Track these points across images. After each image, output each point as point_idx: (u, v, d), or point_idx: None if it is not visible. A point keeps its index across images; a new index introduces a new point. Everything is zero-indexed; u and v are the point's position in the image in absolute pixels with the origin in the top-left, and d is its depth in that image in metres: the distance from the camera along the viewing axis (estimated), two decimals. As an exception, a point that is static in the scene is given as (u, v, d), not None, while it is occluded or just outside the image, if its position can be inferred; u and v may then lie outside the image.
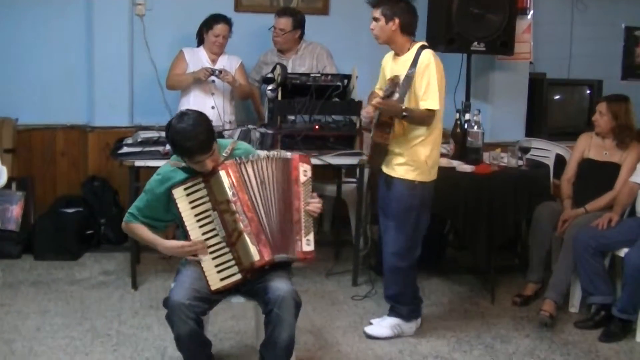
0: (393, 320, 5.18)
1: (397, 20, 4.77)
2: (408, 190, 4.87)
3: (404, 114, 4.68)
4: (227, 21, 6.36)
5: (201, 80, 6.23)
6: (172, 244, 4.12)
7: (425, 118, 4.76)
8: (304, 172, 4.12)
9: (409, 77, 4.75)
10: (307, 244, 4.04)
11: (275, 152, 4.17)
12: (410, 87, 4.76)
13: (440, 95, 4.75)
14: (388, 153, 4.91)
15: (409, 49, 4.86)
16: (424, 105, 4.74)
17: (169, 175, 4.13)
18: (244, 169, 4.02)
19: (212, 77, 6.22)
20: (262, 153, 4.17)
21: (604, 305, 5.35)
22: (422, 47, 4.85)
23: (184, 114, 3.98)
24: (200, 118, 3.97)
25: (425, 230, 5.06)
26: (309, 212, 4.07)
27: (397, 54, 4.94)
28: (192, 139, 3.87)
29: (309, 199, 4.10)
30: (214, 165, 3.98)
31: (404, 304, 5.15)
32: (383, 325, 5.18)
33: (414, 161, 4.84)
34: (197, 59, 6.42)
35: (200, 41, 6.49)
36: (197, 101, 6.29)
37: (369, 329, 5.16)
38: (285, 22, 6.51)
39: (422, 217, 4.99)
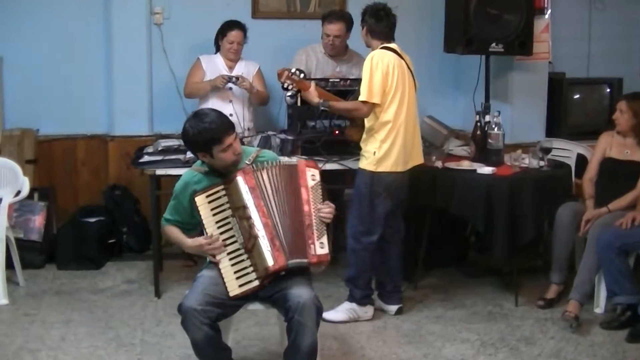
0: (348, 305, 5.43)
1: (365, 27, 5.37)
2: (361, 178, 5.30)
3: (322, 107, 5.35)
4: (241, 27, 6.36)
5: (218, 87, 6.23)
6: (192, 242, 4.17)
7: (352, 109, 5.31)
8: (311, 176, 4.14)
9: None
10: (320, 246, 4.03)
11: (282, 159, 4.21)
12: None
13: (370, 89, 5.14)
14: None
15: None
16: (359, 98, 5.20)
17: (192, 180, 4.20)
18: (260, 175, 4.05)
19: (230, 84, 6.22)
20: (279, 160, 4.21)
21: (629, 305, 5.31)
22: (381, 49, 5.27)
23: (195, 114, 4.17)
24: (211, 109, 4.20)
25: (382, 218, 5.33)
26: (321, 218, 4.08)
27: None
28: (214, 122, 4.04)
29: (320, 204, 4.10)
30: (239, 156, 4.10)
31: (358, 287, 5.41)
32: (339, 310, 5.42)
33: (366, 151, 5.30)
34: (214, 65, 6.43)
35: (218, 48, 6.50)
36: (216, 108, 6.28)
37: (325, 314, 5.21)
38: (340, 28, 6.29)
39: (377, 206, 5.29)
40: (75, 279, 6.19)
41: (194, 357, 4.23)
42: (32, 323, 5.32)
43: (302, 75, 5.36)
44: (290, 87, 5.34)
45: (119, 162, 6.96)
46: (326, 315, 5.25)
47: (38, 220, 6.49)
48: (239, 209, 4.00)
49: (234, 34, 6.34)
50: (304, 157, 5.57)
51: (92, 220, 6.63)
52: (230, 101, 6.30)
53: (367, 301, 5.47)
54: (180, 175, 4.30)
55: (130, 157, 6.37)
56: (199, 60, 6.48)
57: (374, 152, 5.22)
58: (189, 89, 6.47)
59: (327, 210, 4.10)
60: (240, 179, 4.01)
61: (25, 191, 5.93)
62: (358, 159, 5.45)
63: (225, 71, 6.38)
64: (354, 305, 5.43)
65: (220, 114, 4.12)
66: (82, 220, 6.63)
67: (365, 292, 5.46)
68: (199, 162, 4.28)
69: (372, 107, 5.17)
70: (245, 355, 4.85)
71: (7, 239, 5.80)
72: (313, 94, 5.33)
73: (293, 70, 5.35)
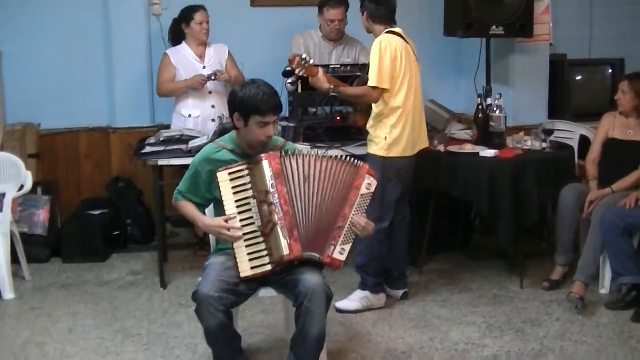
0: (361, 293, 5.39)
1: (365, 12, 5.31)
2: (371, 164, 5.13)
3: (332, 94, 5.27)
4: (203, 7, 6.26)
5: (198, 89, 6.18)
6: (211, 221, 4.13)
7: (362, 95, 5.25)
8: (367, 184, 4.09)
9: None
10: (340, 252, 4.01)
11: (347, 157, 4.13)
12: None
13: (380, 73, 5.09)
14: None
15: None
16: (368, 83, 5.14)
17: (213, 154, 4.17)
18: (287, 162, 4.00)
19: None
20: (322, 152, 4.16)
21: (634, 285, 5.31)
22: (386, 33, 5.22)
23: (253, 81, 4.13)
24: (264, 82, 4.15)
25: (393, 204, 5.30)
26: (353, 224, 4.03)
27: None
28: (266, 94, 4.05)
29: (361, 213, 4.06)
30: (267, 139, 4.11)
31: (370, 275, 5.38)
32: (352, 299, 5.38)
33: (375, 137, 5.25)
34: (184, 58, 6.30)
35: (177, 39, 6.39)
36: (196, 102, 6.24)
37: (338, 303, 5.31)
38: (342, 11, 6.33)
39: (388, 192, 5.25)
40: (80, 271, 6.21)
41: (201, 346, 4.25)
42: (38, 316, 5.34)
43: (311, 61, 5.31)
44: (301, 73, 5.28)
45: (122, 154, 6.97)
46: (339, 304, 5.30)
47: (42, 214, 6.50)
48: (260, 192, 3.96)
49: (200, 14, 6.21)
50: (306, 144, 5.61)
51: (96, 212, 6.64)
52: (210, 92, 6.25)
53: (379, 289, 5.43)
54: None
55: (132, 148, 6.37)
56: (167, 56, 6.32)
57: (385, 137, 5.18)
58: (162, 90, 6.34)
59: (364, 224, 4.05)
60: (265, 163, 3.95)
61: (28, 185, 5.94)
62: (360, 145, 5.45)
63: (195, 61, 6.29)
64: (367, 293, 5.38)
65: (274, 92, 4.10)
66: (86, 213, 6.64)
67: (377, 280, 5.42)
68: (226, 137, 4.27)
69: (381, 92, 5.12)
70: (252, 343, 4.86)
71: (12, 234, 5.82)
72: (322, 80, 5.25)
73: (304, 56, 5.29)
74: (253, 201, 3.98)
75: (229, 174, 3.99)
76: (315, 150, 4.41)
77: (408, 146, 5.24)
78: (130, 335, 5.01)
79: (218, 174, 3.99)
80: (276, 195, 3.93)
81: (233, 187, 3.99)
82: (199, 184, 4.19)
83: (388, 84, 5.10)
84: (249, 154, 4.13)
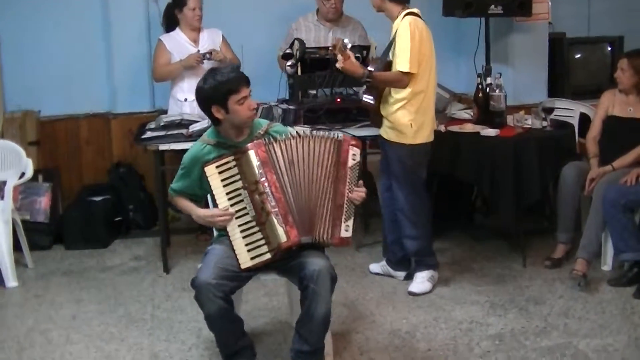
0: (427, 273, 5.39)
1: None
2: (401, 152, 5.13)
3: (366, 79, 5.01)
4: None
5: (194, 67, 6.15)
6: (203, 212, 4.17)
7: (394, 80, 5.04)
8: (352, 155, 4.06)
9: (391, 43, 5.09)
10: (345, 229, 4.02)
11: (325, 132, 4.12)
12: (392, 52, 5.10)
13: (413, 58, 4.95)
14: (381, 115, 5.22)
15: (398, 17, 5.11)
16: (396, 67, 5.00)
17: (200, 152, 4.18)
18: (272, 149, 4.00)
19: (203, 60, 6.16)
20: (300, 130, 4.15)
21: (636, 262, 5.32)
22: (407, 14, 5.06)
23: (211, 70, 4.22)
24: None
25: (424, 185, 5.30)
26: (352, 199, 4.04)
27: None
28: (234, 71, 4.09)
29: (354, 185, 4.07)
30: (253, 112, 4.10)
31: (429, 255, 5.43)
32: (421, 282, 5.37)
33: (399, 124, 5.11)
34: (178, 44, 6.28)
35: (171, 25, 6.37)
36: (192, 86, 6.16)
37: (412, 288, 5.33)
38: None
39: (418, 176, 5.24)
40: (83, 258, 6.22)
41: (205, 330, 4.24)
42: (42, 304, 5.35)
43: (349, 45, 5.21)
44: (338, 57, 5.17)
45: (122, 139, 6.97)
46: (413, 289, 5.34)
47: (44, 202, 6.51)
48: (250, 183, 3.96)
49: (193, 0, 6.19)
50: (307, 126, 5.58)
51: (98, 199, 6.64)
52: None
53: (437, 264, 5.51)
54: (184, 150, 4.29)
55: (133, 134, 6.37)
56: (161, 42, 6.30)
57: (410, 124, 5.08)
58: (159, 74, 6.33)
59: (360, 194, 4.08)
60: (252, 153, 3.95)
61: (29, 173, 5.93)
62: (362, 126, 5.42)
63: (190, 46, 6.27)
64: (432, 271, 5.40)
65: (235, 68, 4.14)
66: (88, 200, 6.63)
67: (434, 256, 5.49)
68: (208, 132, 4.26)
69: (411, 77, 5.00)
70: (256, 326, 4.87)
71: (14, 221, 5.81)
72: (357, 65, 5.04)
73: (345, 41, 5.10)
74: (244, 192, 3.99)
75: (217, 167, 4.00)
76: (296, 130, 4.37)
77: (430, 131, 5.22)
78: (134, 321, 5.02)
79: (206, 168, 4.01)
80: (266, 184, 3.94)
81: (222, 180, 4.00)
82: (190, 182, 4.22)
83: (417, 69, 5.00)
84: (235, 145, 4.13)
